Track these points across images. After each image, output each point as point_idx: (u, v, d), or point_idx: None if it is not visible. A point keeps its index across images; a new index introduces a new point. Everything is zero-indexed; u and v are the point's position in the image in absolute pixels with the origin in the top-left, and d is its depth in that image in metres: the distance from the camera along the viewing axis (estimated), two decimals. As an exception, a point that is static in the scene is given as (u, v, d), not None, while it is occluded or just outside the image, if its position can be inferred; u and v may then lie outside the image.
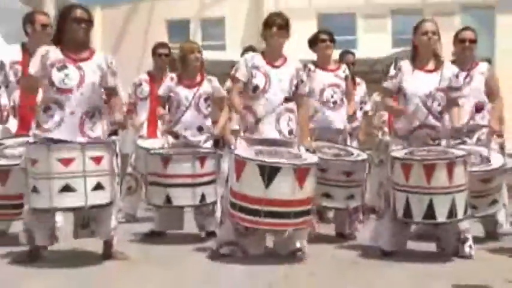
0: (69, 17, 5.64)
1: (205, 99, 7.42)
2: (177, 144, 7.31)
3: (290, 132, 6.23)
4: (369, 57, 20.49)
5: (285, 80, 6.24)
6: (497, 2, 28.40)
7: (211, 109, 7.52)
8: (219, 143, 7.62)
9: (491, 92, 7.39)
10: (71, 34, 5.67)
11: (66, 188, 5.35)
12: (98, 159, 5.48)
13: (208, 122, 7.49)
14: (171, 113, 7.44)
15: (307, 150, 6.32)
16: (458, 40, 7.45)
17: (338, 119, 7.50)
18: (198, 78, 7.48)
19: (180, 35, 27.67)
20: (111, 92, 6.01)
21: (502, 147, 8.17)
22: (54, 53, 5.64)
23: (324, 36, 7.71)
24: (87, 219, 5.77)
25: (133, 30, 29.58)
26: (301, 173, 5.65)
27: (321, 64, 7.64)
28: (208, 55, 18.62)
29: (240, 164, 5.73)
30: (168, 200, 6.96)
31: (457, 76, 6.42)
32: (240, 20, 29.29)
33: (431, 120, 6.25)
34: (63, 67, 5.58)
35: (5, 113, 7.02)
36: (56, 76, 5.55)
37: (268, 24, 6.27)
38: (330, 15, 29.79)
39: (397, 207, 6.01)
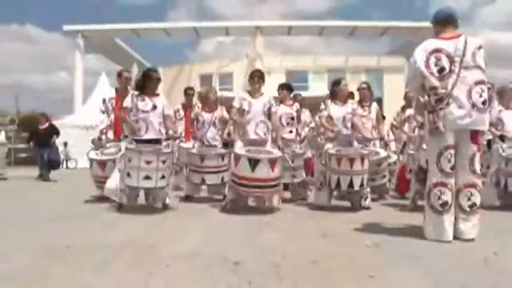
0: (152, 77, 6.14)
1: (219, 119, 7.54)
2: (206, 145, 7.45)
3: (264, 134, 6.37)
4: (316, 95, 20.90)
5: (261, 105, 6.40)
6: (384, 68, 31.10)
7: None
8: (228, 145, 7.63)
9: (378, 118, 7.74)
10: (150, 87, 6.14)
11: (147, 177, 5.69)
12: (164, 162, 5.79)
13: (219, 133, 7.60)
14: (199, 128, 7.58)
15: (278, 147, 6.46)
16: (358, 89, 7.84)
17: (289, 132, 7.52)
18: (214, 107, 7.62)
19: (207, 83, 27.91)
20: (166, 117, 6.30)
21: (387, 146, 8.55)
22: (138, 94, 6.11)
23: (283, 86, 7.89)
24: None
25: (180, 81, 29.75)
26: (272, 163, 5.77)
27: (283, 101, 7.66)
28: (223, 94, 18.74)
29: (237, 157, 5.83)
30: (203, 180, 7.13)
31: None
32: (241, 74, 29.45)
33: (345, 131, 6.50)
34: (143, 99, 6.06)
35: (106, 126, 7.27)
36: (140, 104, 6.04)
37: (251, 76, 6.56)
38: (293, 71, 30.76)
39: (332, 182, 6.10)
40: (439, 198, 4.07)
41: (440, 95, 4.02)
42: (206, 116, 7.54)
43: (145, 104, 6.06)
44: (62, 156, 19.67)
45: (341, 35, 35.36)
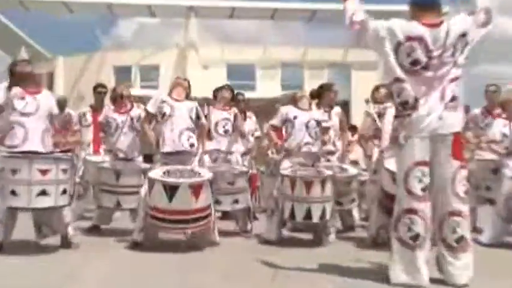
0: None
1: (137, 120, 7.22)
2: (121, 158, 7.15)
3: (191, 145, 6.29)
4: (264, 97, 20.96)
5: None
6: (352, 62, 30.19)
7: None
8: (152, 158, 7.38)
9: (342, 126, 7.68)
10: (30, 80, 5.88)
11: (43, 192, 5.17)
12: (65, 171, 5.38)
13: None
14: (110, 135, 7.29)
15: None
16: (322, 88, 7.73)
17: (227, 144, 7.44)
18: (129, 106, 7.36)
19: (124, 77, 27.32)
20: (56, 119, 6.09)
21: (356, 163, 8.58)
22: (16, 89, 5.70)
23: (219, 88, 7.74)
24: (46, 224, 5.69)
25: (88, 74, 29.01)
26: (196, 188, 5.59)
27: (217, 105, 7.56)
28: (145, 92, 18.48)
29: (151, 182, 5.66)
30: (118, 203, 6.81)
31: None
32: (170, 67, 29.16)
33: (310, 140, 6.57)
34: (23, 97, 5.71)
35: None
36: (17, 102, 5.65)
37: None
38: (236, 65, 30.22)
39: (285, 211, 6.05)
40: (409, 229, 4.04)
41: (405, 97, 4.08)
42: (119, 119, 7.25)
43: (26, 103, 5.71)
44: None
45: (298, 21, 35.70)
